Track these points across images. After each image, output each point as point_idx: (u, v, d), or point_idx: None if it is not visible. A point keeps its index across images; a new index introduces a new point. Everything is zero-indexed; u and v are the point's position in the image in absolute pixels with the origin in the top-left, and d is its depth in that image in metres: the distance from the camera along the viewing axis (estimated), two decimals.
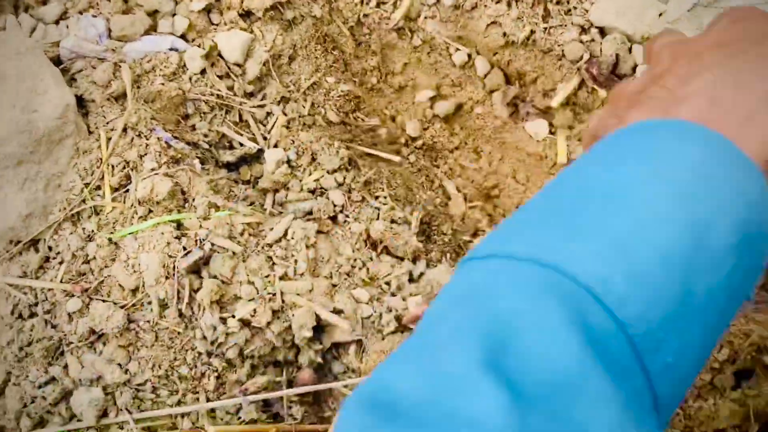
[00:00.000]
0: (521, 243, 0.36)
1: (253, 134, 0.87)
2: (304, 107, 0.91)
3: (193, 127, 0.84)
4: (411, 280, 0.83)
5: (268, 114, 0.89)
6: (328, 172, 0.86)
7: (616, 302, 0.33)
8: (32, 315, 0.77)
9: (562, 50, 0.92)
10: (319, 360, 0.79)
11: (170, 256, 0.75)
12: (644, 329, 0.33)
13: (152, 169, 0.78)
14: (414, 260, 0.86)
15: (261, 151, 0.87)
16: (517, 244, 0.36)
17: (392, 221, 0.87)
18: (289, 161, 0.87)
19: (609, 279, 0.33)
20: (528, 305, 0.32)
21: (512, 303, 0.32)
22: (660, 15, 0.91)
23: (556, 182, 0.40)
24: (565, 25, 0.91)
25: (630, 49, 0.89)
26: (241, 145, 0.86)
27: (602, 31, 0.91)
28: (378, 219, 0.86)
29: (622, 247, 0.34)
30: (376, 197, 0.89)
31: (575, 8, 0.91)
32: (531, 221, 0.38)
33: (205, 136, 0.84)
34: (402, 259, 0.85)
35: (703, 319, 0.36)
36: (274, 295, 0.77)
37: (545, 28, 0.92)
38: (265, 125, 0.88)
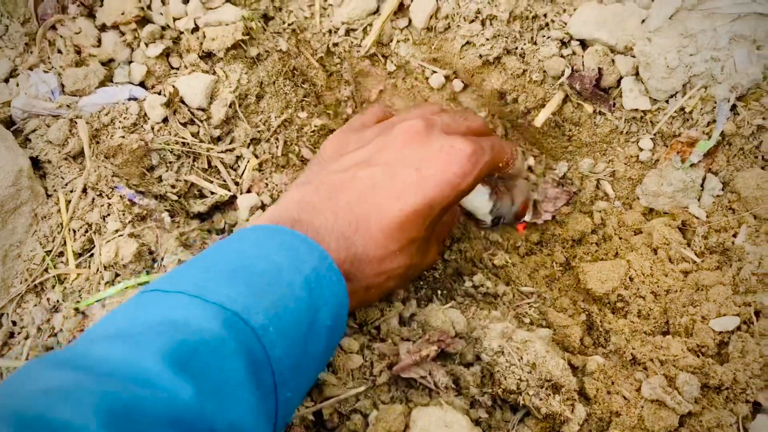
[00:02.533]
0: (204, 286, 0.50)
1: (224, 180, 0.83)
2: (276, 147, 0.86)
3: (160, 179, 0.79)
4: (401, 322, 0.79)
5: (238, 158, 0.84)
6: None
7: (269, 344, 0.49)
8: None
9: (543, 66, 0.87)
10: (311, 417, 0.74)
11: None
12: (280, 369, 0.50)
13: (116, 231, 0.73)
14: (403, 301, 0.81)
15: (234, 197, 0.83)
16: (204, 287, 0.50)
17: None
18: (263, 206, 0.82)
19: (266, 328, 0.49)
20: (215, 335, 0.45)
21: (203, 333, 0.45)
22: (642, 22, 0.86)
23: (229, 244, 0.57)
24: (544, 40, 0.87)
25: (613, 61, 0.85)
26: (212, 193, 0.82)
27: (583, 44, 0.87)
28: None
29: (275, 311, 0.51)
30: None
31: (553, 21, 0.87)
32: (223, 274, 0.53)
33: (173, 187, 0.79)
34: (391, 301, 0.80)
35: (309, 370, 0.57)
36: None
37: (523, 45, 0.88)
38: (235, 170, 0.84)
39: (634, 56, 0.85)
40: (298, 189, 0.66)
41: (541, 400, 0.70)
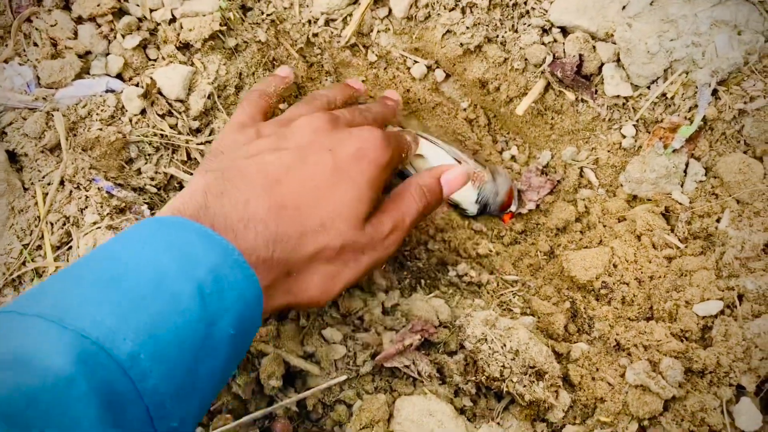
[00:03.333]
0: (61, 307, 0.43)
1: None
2: None
3: (139, 171, 0.79)
4: (384, 312, 0.78)
5: None
6: None
7: (139, 375, 0.42)
8: None
9: (524, 54, 0.87)
10: (295, 408, 0.74)
11: None
12: (157, 401, 0.43)
13: (94, 223, 0.72)
14: (386, 291, 0.81)
15: None
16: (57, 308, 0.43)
17: None
18: None
19: (136, 356, 0.42)
20: (63, 375, 0.39)
21: (47, 374, 0.39)
22: (623, 8, 0.86)
23: (96, 255, 0.49)
24: (525, 28, 0.87)
25: (594, 48, 0.85)
26: None
27: (564, 31, 0.86)
28: None
29: (150, 332, 0.43)
30: None
31: (533, 9, 0.86)
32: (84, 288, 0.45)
33: (152, 179, 0.79)
34: (373, 291, 0.80)
35: (202, 393, 0.48)
36: None
37: (504, 33, 0.87)
38: None
39: (614, 42, 0.85)
40: (203, 176, 0.61)
41: (524, 387, 0.70)
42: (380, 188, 0.67)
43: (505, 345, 0.71)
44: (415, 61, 0.93)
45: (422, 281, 0.84)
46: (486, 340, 0.72)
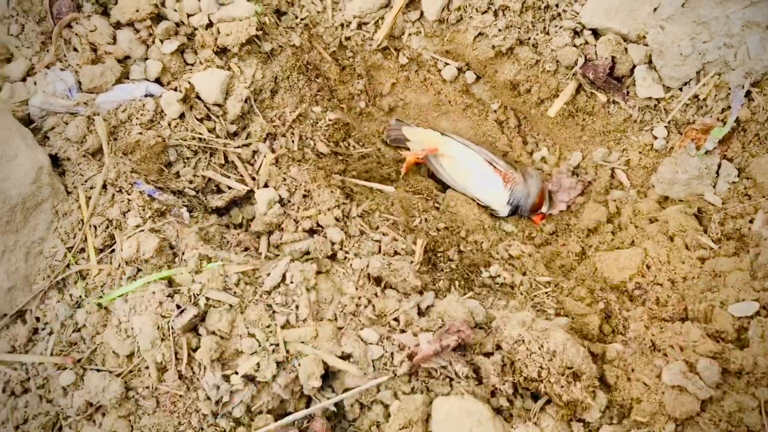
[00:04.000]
0: None
1: (241, 175, 0.83)
2: (292, 141, 0.87)
3: (178, 174, 0.80)
4: (420, 313, 0.79)
5: (255, 152, 0.84)
6: (322, 211, 0.81)
7: None
8: (25, 391, 0.72)
9: (556, 56, 0.87)
10: (333, 408, 0.75)
11: (164, 317, 0.70)
12: None
13: (137, 226, 0.73)
14: (421, 292, 0.81)
15: (251, 192, 0.83)
16: None
17: (395, 253, 0.83)
18: (281, 200, 0.82)
19: None
20: None
21: None
22: (654, 10, 0.86)
23: None
24: (557, 30, 0.87)
25: (626, 50, 0.85)
26: (230, 188, 0.82)
27: (595, 33, 0.87)
28: (379, 252, 0.82)
29: None
30: (377, 228, 0.85)
31: (565, 11, 0.87)
32: None
33: (191, 182, 0.80)
34: (408, 292, 0.81)
35: None
36: (278, 345, 0.73)
37: (536, 35, 0.88)
38: (252, 165, 0.84)
39: (647, 45, 0.85)
40: None
41: (562, 387, 0.71)
42: None
43: (542, 346, 0.72)
44: (446, 64, 0.94)
45: (456, 282, 0.85)
46: (524, 341, 0.72)
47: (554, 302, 0.83)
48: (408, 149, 0.91)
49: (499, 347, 0.74)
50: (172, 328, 0.70)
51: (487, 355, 0.75)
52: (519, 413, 0.73)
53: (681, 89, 0.85)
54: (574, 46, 0.86)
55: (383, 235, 0.84)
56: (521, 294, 0.84)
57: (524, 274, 0.87)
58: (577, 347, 0.72)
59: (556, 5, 0.87)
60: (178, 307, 0.71)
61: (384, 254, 0.82)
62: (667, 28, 0.84)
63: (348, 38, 0.91)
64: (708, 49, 0.83)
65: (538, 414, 0.73)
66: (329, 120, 0.90)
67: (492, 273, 0.86)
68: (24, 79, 0.79)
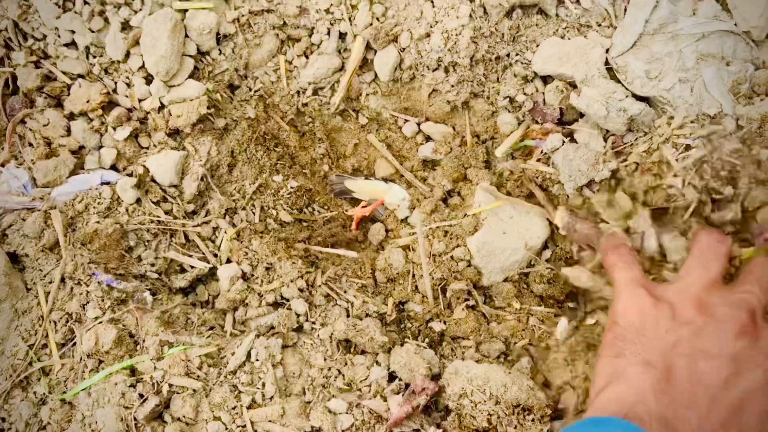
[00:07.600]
0: None
1: (203, 253, 0.83)
2: (253, 213, 0.87)
3: (140, 258, 0.80)
4: (391, 378, 0.78)
5: (215, 229, 0.85)
6: (285, 283, 0.81)
7: None
8: None
9: (508, 104, 0.87)
10: None
11: (126, 407, 0.71)
12: None
13: (95, 318, 0.74)
14: (389, 350, 0.80)
15: (214, 268, 0.83)
16: None
17: (366, 315, 0.82)
18: (244, 275, 0.82)
19: None
20: None
21: None
22: (607, 51, 0.86)
23: None
24: (506, 80, 0.87)
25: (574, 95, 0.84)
26: (192, 267, 0.82)
27: (545, 80, 0.86)
28: (346, 317, 0.81)
29: None
30: (345, 292, 0.85)
31: (516, 61, 0.86)
32: None
33: (153, 265, 0.80)
34: (376, 353, 0.80)
35: None
36: (244, 426, 0.72)
37: (490, 87, 0.88)
38: (213, 241, 0.84)
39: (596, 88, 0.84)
40: (643, 370, 0.61)
41: (516, 428, 0.70)
42: None
43: (484, 392, 0.72)
44: (406, 120, 0.94)
45: (419, 338, 0.84)
46: (466, 394, 0.72)
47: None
48: (354, 199, 0.92)
49: (447, 408, 0.74)
50: (136, 419, 0.70)
51: (445, 414, 0.75)
52: None
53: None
54: (525, 94, 0.86)
55: (354, 297, 0.84)
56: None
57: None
58: (520, 382, 0.72)
59: (507, 55, 0.87)
60: (141, 396, 0.71)
61: (351, 317, 0.81)
62: (620, 67, 0.84)
63: (305, 104, 0.92)
64: (663, 86, 0.83)
65: None
66: (291, 188, 0.90)
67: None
68: None
